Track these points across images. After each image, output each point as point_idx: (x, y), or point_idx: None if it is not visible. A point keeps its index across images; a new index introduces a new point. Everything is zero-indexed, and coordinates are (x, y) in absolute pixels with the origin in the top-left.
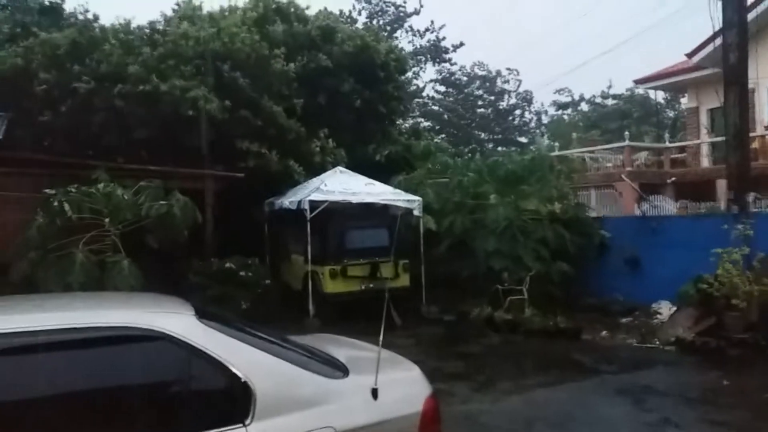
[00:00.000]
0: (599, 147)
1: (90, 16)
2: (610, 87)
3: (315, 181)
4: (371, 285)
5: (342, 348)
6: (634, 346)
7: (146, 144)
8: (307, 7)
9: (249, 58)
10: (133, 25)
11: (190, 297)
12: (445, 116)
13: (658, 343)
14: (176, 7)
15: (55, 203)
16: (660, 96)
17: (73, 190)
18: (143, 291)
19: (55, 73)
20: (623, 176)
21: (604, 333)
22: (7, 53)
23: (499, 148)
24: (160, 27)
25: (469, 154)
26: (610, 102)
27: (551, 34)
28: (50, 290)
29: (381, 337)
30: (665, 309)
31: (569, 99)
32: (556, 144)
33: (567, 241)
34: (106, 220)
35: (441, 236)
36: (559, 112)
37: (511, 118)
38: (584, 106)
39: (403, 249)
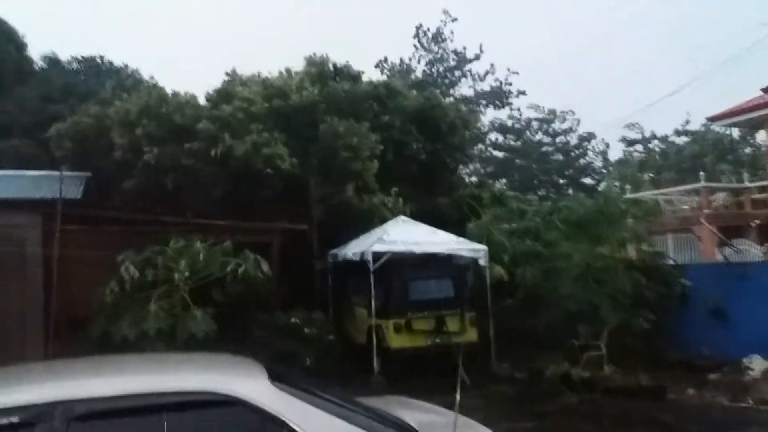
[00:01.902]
0: (673, 188)
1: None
2: (687, 122)
3: (377, 231)
4: (437, 339)
5: (413, 411)
6: (725, 405)
7: (217, 199)
8: (363, 72)
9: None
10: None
11: (256, 352)
12: (507, 161)
13: (751, 402)
14: (227, 78)
15: (124, 265)
16: (735, 133)
17: (145, 250)
18: (215, 340)
19: (128, 138)
20: (701, 219)
21: (691, 391)
22: (83, 116)
23: (567, 191)
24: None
25: (535, 199)
26: (682, 140)
27: (620, 76)
28: (127, 341)
29: (457, 401)
30: (758, 364)
31: (639, 136)
32: (627, 186)
33: (645, 291)
34: (177, 275)
35: (510, 286)
36: (630, 148)
37: (574, 157)
38: (656, 144)
39: (469, 301)
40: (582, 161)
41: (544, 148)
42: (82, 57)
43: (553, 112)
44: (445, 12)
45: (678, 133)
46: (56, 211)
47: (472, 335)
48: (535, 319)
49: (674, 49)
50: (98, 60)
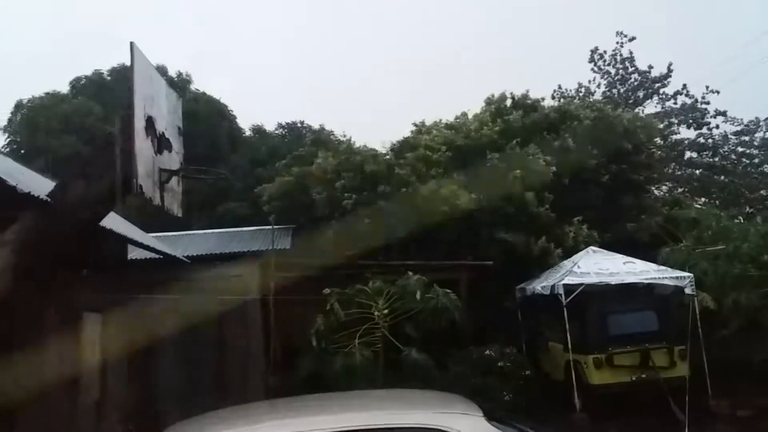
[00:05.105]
0: None
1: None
2: None
3: (566, 264)
4: (643, 375)
5: None
6: None
7: (405, 241)
8: (543, 99)
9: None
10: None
11: (453, 388)
12: (705, 179)
13: None
14: (414, 128)
15: (329, 306)
16: None
17: (346, 290)
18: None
19: (326, 193)
20: None
21: None
22: (287, 176)
23: None
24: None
25: (744, 217)
26: None
27: None
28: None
29: None
30: None
31: None
32: None
33: None
34: (376, 313)
35: (723, 316)
36: None
37: None
38: None
39: (677, 333)
40: None
41: (747, 161)
42: (285, 123)
43: (755, 122)
44: (619, 33)
45: None
46: (270, 260)
47: (682, 370)
48: (754, 351)
49: None
50: (298, 125)
